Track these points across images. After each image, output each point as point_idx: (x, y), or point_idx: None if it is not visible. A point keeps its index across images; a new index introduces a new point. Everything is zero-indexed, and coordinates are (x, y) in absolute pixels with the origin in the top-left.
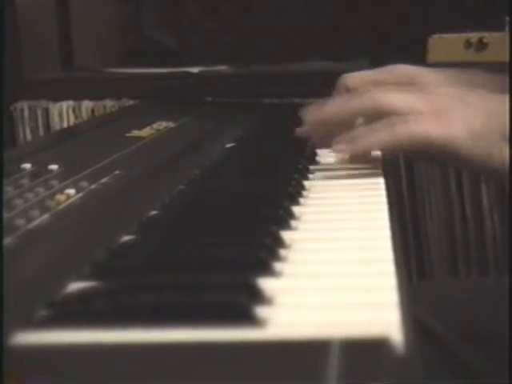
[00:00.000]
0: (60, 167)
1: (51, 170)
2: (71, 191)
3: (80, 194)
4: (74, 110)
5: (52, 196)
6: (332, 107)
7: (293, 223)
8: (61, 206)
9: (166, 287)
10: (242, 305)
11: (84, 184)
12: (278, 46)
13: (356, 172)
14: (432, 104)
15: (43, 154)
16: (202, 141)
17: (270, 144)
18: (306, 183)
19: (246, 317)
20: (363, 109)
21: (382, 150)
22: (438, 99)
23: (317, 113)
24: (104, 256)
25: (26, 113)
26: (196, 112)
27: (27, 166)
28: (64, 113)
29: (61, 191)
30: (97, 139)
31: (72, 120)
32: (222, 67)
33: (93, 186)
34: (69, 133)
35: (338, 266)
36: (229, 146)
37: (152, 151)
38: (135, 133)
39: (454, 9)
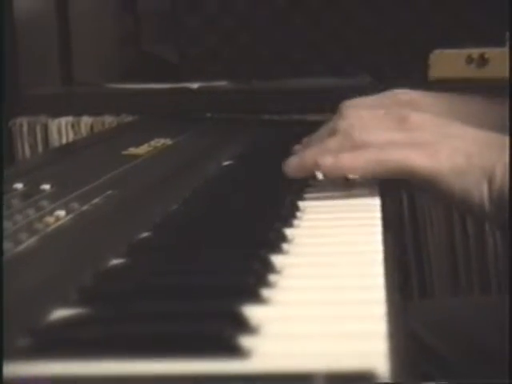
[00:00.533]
0: (52, 187)
1: (43, 190)
2: (61, 213)
3: (70, 216)
4: (72, 126)
5: (41, 218)
6: (310, 153)
7: (285, 246)
8: (49, 229)
9: (150, 316)
10: (226, 336)
11: (75, 205)
12: (279, 60)
13: (352, 192)
14: (418, 138)
15: (36, 174)
16: (198, 159)
17: (267, 162)
18: (301, 204)
19: (229, 348)
20: (342, 148)
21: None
22: (423, 133)
23: (296, 160)
24: (90, 281)
25: (25, 128)
26: (194, 128)
27: (19, 185)
28: (63, 129)
29: (50, 213)
30: (92, 157)
31: (71, 136)
32: (222, 83)
33: (84, 208)
34: (64, 151)
35: (327, 293)
36: (225, 163)
37: (147, 170)
38: (132, 150)
39: (455, 24)
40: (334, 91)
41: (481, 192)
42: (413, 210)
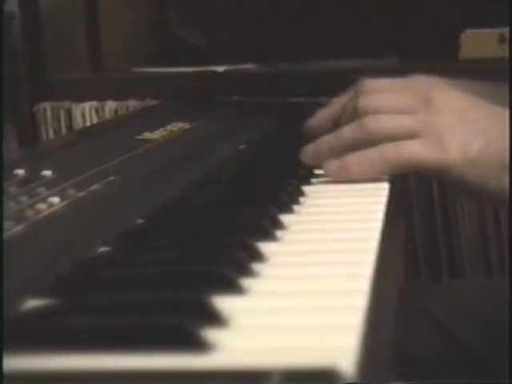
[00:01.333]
0: (53, 173)
1: (43, 177)
2: (55, 199)
3: (64, 203)
4: (96, 111)
5: (33, 205)
6: (326, 140)
7: (278, 233)
8: (39, 216)
9: (112, 308)
10: (187, 327)
11: (71, 191)
12: (307, 43)
13: None
14: (429, 125)
15: (40, 159)
16: (213, 143)
17: (286, 146)
18: (307, 188)
19: (189, 341)
20: (355, 139)
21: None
22: (437, 119)
23: (313, 147)
24: (68, 270)
25: (49, 114)
26: (217, 112)
27: (20, 171)
28: (87, 114)
29: (44, 200)
30: (104, 142)
31: (95, 121)
32: (249, 66)
33: (80, 194)
34: (77, 136)
35: (309, 283)
36: (241, 148)
37: (157, 154)
38: (146, 135)
39: (486, 3)
40: (361, 73)
41: (500, 182)
42: (442, 190)
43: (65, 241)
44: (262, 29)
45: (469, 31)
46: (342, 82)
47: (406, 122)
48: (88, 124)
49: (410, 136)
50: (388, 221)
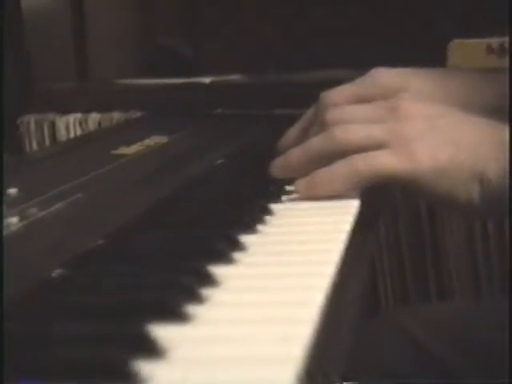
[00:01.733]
0: (19, 191)
1: (8, 195)
2: (13, 220)
3: (22, 223)
4: (80, 123)
5: None
6: (294, 154)
7: (236, 256)
8: None
9: (54, 339)
10: (119, 361)
11: (33, 211)
12: (295, 53)
13: None
14: (397, 134)
15: (9, 176)
16: (187, 158)
17: (260, 161)
18: (275, 206)
19: (121, 375)
20: (323, 150)
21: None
22: (405, 127)
23: (281, 161)
24: (18, 296)
25: (33, 127)
26: (197, 126)
27: None
28: (71, 126)
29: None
30: (79, 157)
31: (79, 133)
32: (236, 76)
33: (42, 213)
34: (53, 151)
35: (258, 310)
36: (217, 162)
37: (128, 171)
38: (122, 150)
39: (474, 13)
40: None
41: (469, 192)
42: (431, 208)
43: (19, 264)
44: (249, 38)
45: (457, 41)
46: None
47: (374, 132)
48: (72, 136)
49: (379, 146)
50: (353, 241)
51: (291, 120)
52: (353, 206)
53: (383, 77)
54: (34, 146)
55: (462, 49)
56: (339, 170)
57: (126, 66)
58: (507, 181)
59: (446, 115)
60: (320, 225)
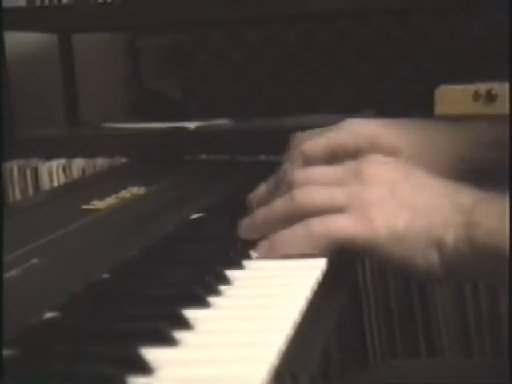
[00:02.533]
0: None
1: None
2: None
3: None
4: (64, 169)
5: None
6: (260, 214)
7: (180, 335)
8: None
9: None
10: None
11: None
12: (284, 97)
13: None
14: (356, 198)
15: None
16: (163, 212)
17: (234, 216)
18: (232, 274)
19: None
20: (285, 212)
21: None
22: (365, 192)
23: (248, 222)
24: None
25: (15, 173)
26: (178, 174)
27: None
28: (54, 172)
29: None
30: (45, 214)
31: (62, 179)
32: (223, 121)
33: None
34: (19, 206)
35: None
36: (192, 217)
37: (94, 229)
38: (94, 204)
39: (461, 59)
40: None
41: (427, 258)
42: None
43: None
44: (240, 82)
45: (443, 87)
46: None
47: (336, 195)
48: (56, 183)
49: (339, 209)
50: (314, 304)
51: (277, 167)
52: (319, 265)
53: (357, 127)
54: (17, 193)
55: (449, 95)
56: (297, 233)
57: (114, 109)
58: (466, 247)
59: (407, 178)
60: (279, 287)
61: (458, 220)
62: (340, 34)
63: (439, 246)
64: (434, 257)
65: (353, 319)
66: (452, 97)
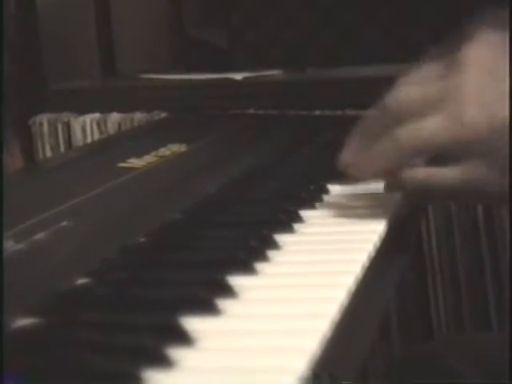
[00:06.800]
0: (3, 215)
1: None
2: None
3: None
4: (98, 125)
5: None
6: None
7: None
8: None
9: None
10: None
11: (9, 243)
12: (339, 46)
13: (358, 212)
14: (454, 90)
15: None
16: (205, 172)
17: (281, 178)
18: (281, 238)
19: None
20: (379, 123)
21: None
22: (464, 78)
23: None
24: None
25: (46, 128)
26: (224, 129)
27: None
28: (88, 128)
29: None
30: (79, 172)
31: (96, 136)
32: (273, 72)
33: (18, 247)
34: (53, 163)
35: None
36: (234, 177)
37: (131, 190)
38: (131, 162)
39: None
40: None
41: None
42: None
43: None
44: (292, 29)
45: None
46: (378, 91)
47: (428, 89)
48: (89, 139)
49: (433, 108)
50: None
51: (330, 123)
52: (377, 230)
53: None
54: (48, 150)
55: None
56: (384, 145)
57: (153, 59)
58: None
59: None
60: (336, 253)
61: None
62: None
63: None
64: None
65: (415, 287)
66: None
